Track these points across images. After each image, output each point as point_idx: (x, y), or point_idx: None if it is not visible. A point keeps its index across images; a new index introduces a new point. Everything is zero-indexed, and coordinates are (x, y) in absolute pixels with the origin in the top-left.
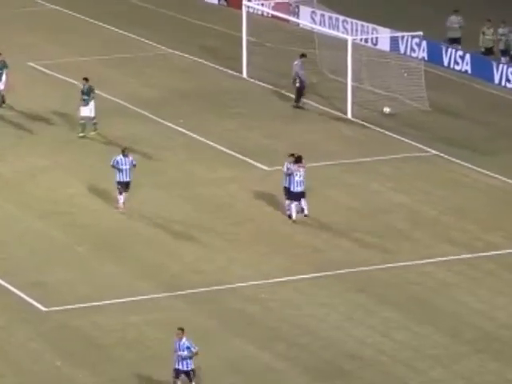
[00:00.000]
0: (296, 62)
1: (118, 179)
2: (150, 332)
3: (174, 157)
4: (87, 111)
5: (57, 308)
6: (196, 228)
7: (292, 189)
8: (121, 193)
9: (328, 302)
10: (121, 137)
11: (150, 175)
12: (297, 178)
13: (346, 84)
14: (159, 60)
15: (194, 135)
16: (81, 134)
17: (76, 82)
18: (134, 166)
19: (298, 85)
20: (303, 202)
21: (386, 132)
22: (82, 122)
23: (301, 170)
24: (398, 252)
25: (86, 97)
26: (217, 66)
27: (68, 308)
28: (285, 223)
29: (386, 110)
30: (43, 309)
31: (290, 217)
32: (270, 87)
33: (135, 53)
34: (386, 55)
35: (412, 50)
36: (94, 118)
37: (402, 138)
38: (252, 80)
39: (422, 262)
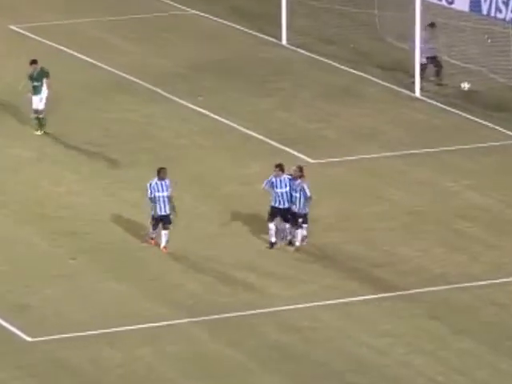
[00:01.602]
0: (425, 34)
1: (154, 213)
2: (162, 368)
3: (193, 146)
4: (37, 102)
5: (44, 338)
6: (221, 237)
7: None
8: (155, 228)
9: (391, 329)
10: (125, 120)
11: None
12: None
13: (413, 54)
14: (176, 23)
15: (219, 117)
16: (38, 132)
17: (70, 51)
18: (169, 198)
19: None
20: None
21: (465, 114)
22: (36, 116)
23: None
24: (479, 267)
25: (36, 83)
26: (249, 31)
27: (58, 338)
28: (335, 230)
29: (465, 86)
30: (27, 339)
31: (291, 243)
32: (316, 57)
33: (145, 13)
34: (464, 17)
35: (498, 10)
36: (43, 111)
37: (485, 122)
38: (293, 48)
39: (509, 279)
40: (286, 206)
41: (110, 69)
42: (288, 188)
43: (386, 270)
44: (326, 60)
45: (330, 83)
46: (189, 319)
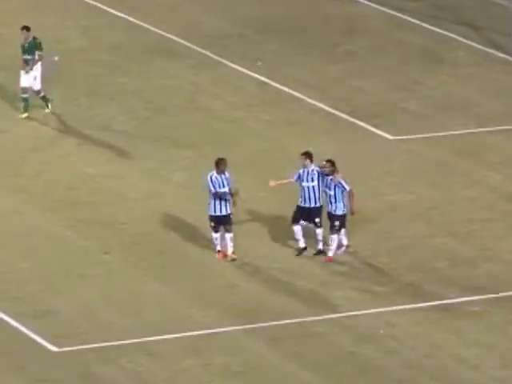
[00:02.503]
0: None
1: (212, 212)
2: (210, 383)
3: (250, 119)
4: (29, 80)
5: (72, 348)
6: (282, 231)
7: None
8: (217, 230)
9: (481, 338)
10: (168, 87)
11: (216, 147)
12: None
13: None
14: None
15: (280, 86)
16: (23, 115)
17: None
18: (231, 194)
19: None
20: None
21: None
22: (24, 96)
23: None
24: None
25: (27, 56)
26: None
27: (88, 348)
28: (418, 220)
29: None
30: (53, 348)
31: (321, 252)
32: (395, 13)
33: None
34: None
35: None
36: (39, 91)
37: None
38: (368, 3)
39: None
40: (313, 204)
41: (152, 29)
42: (316, 182)
43: (478, 268)
44: (406, 17)
45: (411, 45)
46: (242, 327)
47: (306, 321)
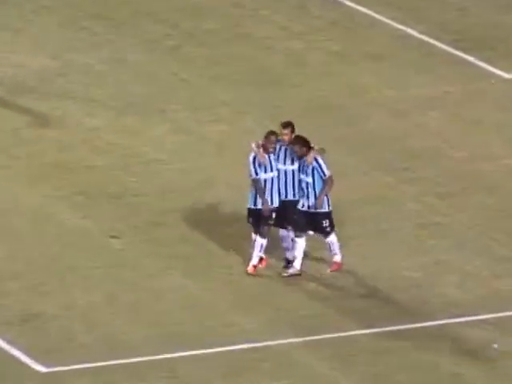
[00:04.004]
0: None
1: (252, 204)
2: None
3: (313, 50)
4: None
5: (65, 367)
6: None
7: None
8: (256, 231)
9: None
10: (201, 9)
11: (264, 89)
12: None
13: None
14: None
15: (354, 5)
16: None
17: None
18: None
19: None
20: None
21: None
22: None
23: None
24: None
25: None
26: None
27: (88, 368)
28: None
29: None
30: (41, 369)
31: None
32: None
33: None
34: None
35: None
36: None
37: None
38: None
39: None
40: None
41: None
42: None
43: None
44: None
45: None
46: (301, 339)
47: (383, 331)
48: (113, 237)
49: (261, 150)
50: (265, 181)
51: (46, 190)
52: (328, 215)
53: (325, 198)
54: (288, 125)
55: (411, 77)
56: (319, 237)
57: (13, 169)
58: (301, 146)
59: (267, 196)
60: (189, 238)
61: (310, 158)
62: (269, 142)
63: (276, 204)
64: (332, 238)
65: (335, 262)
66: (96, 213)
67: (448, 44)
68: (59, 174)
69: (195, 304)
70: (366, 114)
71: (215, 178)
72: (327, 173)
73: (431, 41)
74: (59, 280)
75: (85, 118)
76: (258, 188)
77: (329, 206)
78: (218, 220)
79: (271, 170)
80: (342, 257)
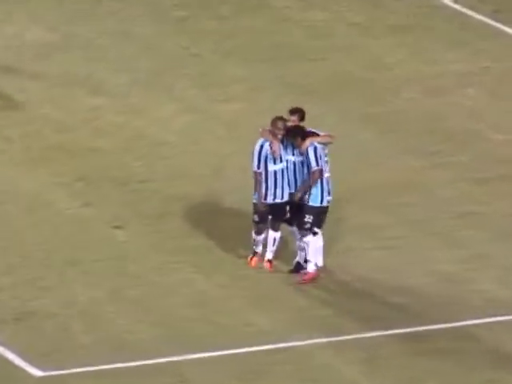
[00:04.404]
0: None
1: (263, 198)
2: None
3: (337, 21)
4: None
5: (64, 371)
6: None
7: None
8: (260, 232)
9: None
10: None
11: (285, 64)
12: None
13: None
14: None
15: None
16: None
17: None
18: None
19: None
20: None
21: None
22: None
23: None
24: None
25: None
26: None
27: (89, 371)
28: None
29: None
30: (37, 373)
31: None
32: None
33: None
34: None
35: None
36: None
37: None
38: None
39: None
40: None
41: None
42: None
43: None
44: None
45: None
46: (326, 339)
47: (415, 332)
48: (116, 227)
49: (274, 139)
50: (274, 173)
51: (43, 175)
52: (315, 211)
53: (319, 192)
54: (296, 111)
55: (444, 51)
56: (297, 236)
57: (6, 152)
58: (294, 137)
59: (278, 190)
60: (199, 229)
61: (304, 146)
62: (276, 127)
63: (286, 198)
64: (309, 239)
65: (306, 272)
66: (98, 200)
67: (486, 15)
68: (58, 158)
69: (205, 301)
70: (395, 92)
71: (227, 161)
72: (314, 165)
73: (467, 11)
74: (58, 274)
75: (85, 97)
76: (259, 182)
77: (321, 201)
78: (231, 209)
79: (280, 161)
80: (321, 267)
